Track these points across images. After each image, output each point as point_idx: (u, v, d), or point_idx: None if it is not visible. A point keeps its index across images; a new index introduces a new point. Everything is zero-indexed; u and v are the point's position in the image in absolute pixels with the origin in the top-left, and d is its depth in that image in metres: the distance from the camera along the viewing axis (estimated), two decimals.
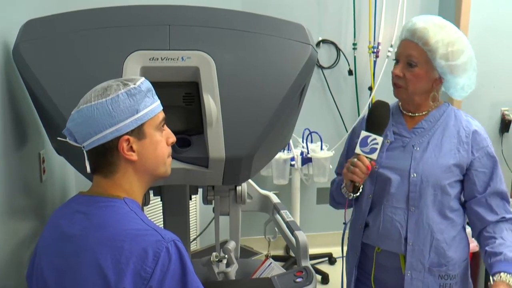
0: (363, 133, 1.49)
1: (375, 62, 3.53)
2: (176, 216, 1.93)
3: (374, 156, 1.48)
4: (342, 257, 1.75)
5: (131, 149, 1.09)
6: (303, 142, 3.35)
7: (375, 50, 3.49)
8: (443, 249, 1.55)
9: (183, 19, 1.44)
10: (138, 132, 1.09)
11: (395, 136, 1.59)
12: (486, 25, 3.48)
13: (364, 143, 1.48)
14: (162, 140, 1.15)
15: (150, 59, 1.37)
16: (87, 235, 1.05)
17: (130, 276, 0.99)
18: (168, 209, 1.92)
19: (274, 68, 1.45)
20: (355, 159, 1.48)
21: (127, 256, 1.00)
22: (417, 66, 1.49)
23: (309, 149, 3.33)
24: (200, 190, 2.04)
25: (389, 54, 3.49)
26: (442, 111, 1.59)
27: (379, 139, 1.48)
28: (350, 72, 3.60)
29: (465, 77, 1.52)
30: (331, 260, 3.58)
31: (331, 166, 3.37)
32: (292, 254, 3.48)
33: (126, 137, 1.08)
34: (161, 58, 1.38)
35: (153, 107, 1.11)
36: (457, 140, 1.54)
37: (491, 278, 1.44)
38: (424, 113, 1.59)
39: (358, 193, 1.56)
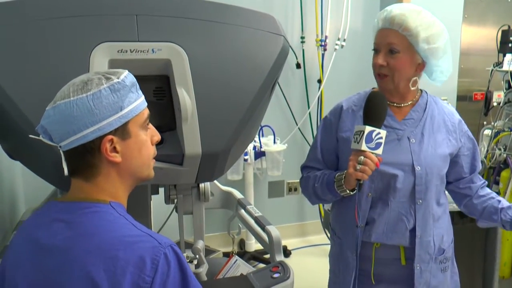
0: (368, 128, 1.40)
1: (323, 55, 3.57)
2: (137, 218, 1.83)
3: (380, 151, 1.41)
4: (357, 262, 1.60)
5: (114, 149, 0.99)
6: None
7: (323, 43, 3.53)
8: (442, 235, 1.59)
9: (151, 9, 1.36)
10: (122, 131, 1.00)
11: (387, 129, 1.51)
12: None
13: (369, 139, 1.40)
14: (147, 139, 1.06)
15: (118, 51, 1.28)
16: (72, 246, 0.95)
17: (128, 287, 0.91)
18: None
19: (247, 60, 1.41)
20: (362, 157, 1.40)
21: (122, 266, 0.91)
22: (399, 52, 1.47)
23: (261, 143, 3.31)
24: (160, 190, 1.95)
25: (337, 47, 3.55)
26: (425, 99, 1.61)
27: (383, 133, 1.41)
28: (298, 65, 3.62)
29: (445, 60, 1.53)
30: (286, 253, 3.59)
31: (284, 160, 3.38)
32: (247, 249, 3.47)
33: (110, 137, 0.98)
34: (130, 50, 1.29)
35: (138, 103, 1.02)
36: (445, 129, 1.58)
37: None
38: (410, 102, 1.58)
39: (360, 189, 1.48)
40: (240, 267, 1.87)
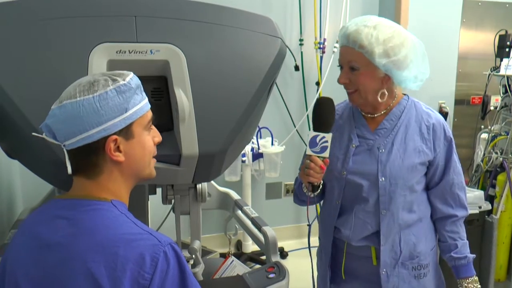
0: (311, 134, 1.46)
1: (321, 57, 3.58)
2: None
3: (326, 154, 1.45)
4: (310, 254, 1.70)
5: (118, 149, 1.02)
6: (253, 137, 3.35)
7: (321, 46, 3.54)
8: (413, 242, 1.57)
9: (149, 10, 1.37)
10: (127, 131, 1.02)
11: (360, 139, 1.56)
12: (424, 22, 3.65)
13: (313, 143, 1.45)
14: (150, 139, 1.08)
15: (117, 52, 1.29)
16: (73, 242, 0.96)
17: (128, 283, 0.92)
18: None
19: (245, 61, 1.42)
20: (308, 161, 1.46)
21: (122, 262, 0.93)
22: (359, 69, 1.46)
23: (259, 145, 3.33)
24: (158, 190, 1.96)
25: (335, 50, 3.56)
26: (402, 107, 1.57)
27: (328, 136, 1.45)
28: (296, 68, 3.63)
29: (413, 68, 1.47)
30: (283, 254, 3.60)
31: (281, 161, 3.39)
32: (244, 250, 3.48)
33: (114, 137, 1.00)
34: (129, 51, 1.31)
35: (142, 105, 1.04)
36: (420, 137, 1.54)
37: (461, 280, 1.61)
38: (383, 112, 1.56)
39: (319, 191, 1.54)
40: (236, 268, 1.88)
